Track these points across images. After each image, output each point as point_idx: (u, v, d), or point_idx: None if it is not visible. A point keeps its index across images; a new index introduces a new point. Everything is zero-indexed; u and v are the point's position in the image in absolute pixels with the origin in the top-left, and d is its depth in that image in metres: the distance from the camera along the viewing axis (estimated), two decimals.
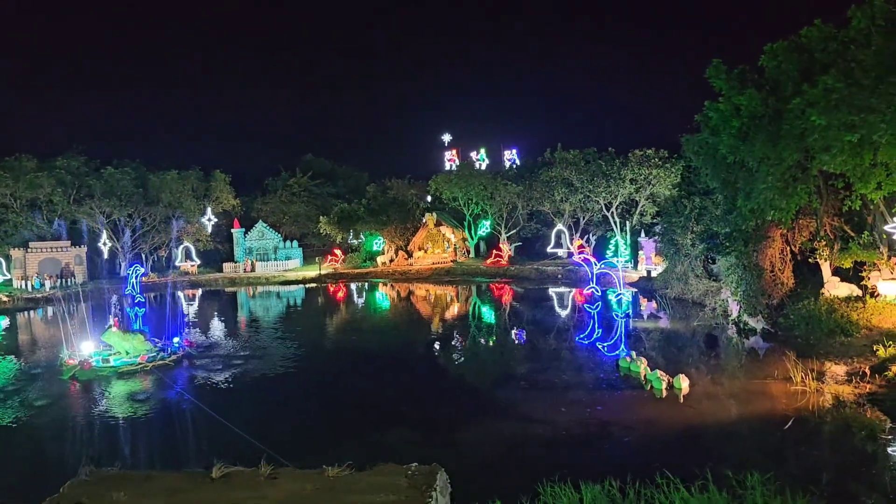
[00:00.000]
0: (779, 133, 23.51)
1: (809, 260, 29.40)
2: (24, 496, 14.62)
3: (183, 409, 21.09)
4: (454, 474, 14.71)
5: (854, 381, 19.94)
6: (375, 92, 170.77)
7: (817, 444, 15.95)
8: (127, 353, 27.51)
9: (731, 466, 12.86)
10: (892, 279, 26.33)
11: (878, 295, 26.57)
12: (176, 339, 29.69)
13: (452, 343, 31.68)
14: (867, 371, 19.95)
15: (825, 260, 28.37)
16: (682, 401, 19.56)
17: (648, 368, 21.96)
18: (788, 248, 30.02)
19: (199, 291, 59.25)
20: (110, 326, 28.87)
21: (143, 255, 68.56)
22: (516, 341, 30.95)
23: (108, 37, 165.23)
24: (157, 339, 30.12)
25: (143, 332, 29.88)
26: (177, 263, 69.72)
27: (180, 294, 58.87)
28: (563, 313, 39.35)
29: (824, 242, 27.79)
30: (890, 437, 15.85)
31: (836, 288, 28.20)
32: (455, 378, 24.83)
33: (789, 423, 16.89)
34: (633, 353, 23.74)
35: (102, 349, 28.36)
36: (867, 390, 19.13)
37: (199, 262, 70.17)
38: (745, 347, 27.01)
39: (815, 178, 24.04)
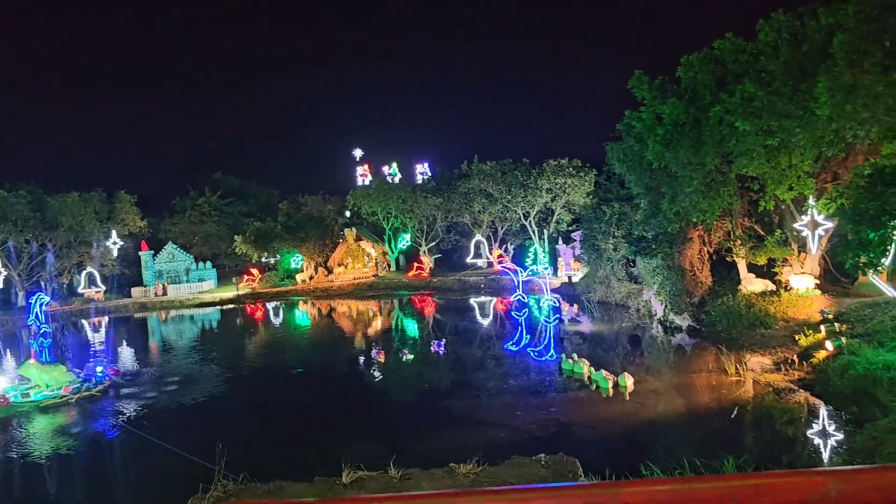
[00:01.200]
0: (700, 139, 24.87)
1: (727, 258, 31.11)
2: None
3: (124, 440, 19.94)
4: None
5: (783, 369, 21.28)
6: (282, 109, 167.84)
7: (765, 428, 16.88)
8: (48, 386, 25.78)
9: (698, 454, 13.49)
10: (802, 273, 28.26)
11: (790, 288, 28.42)
12: (99, 369, 28.11)
13: (389, 357, 31.49)
14: (795, 359, 21.29)
15: (741, 258, 30.11)
16: (628, 398, 20.26)
17: (593, 369, 22.60)
18: (706, 249, 31.70)
19: (108, 319, 56.17)
20: (28, 359, 27.02)
21: (42, 283, 64.42)
22: (452, 351, 31.06)
23: None
24: (77, 370, 28.43)
25: (65, 362, 28.15)
26: (80, 290, 65.95)
27: (87, 323, 55.74)
28: (492, 321, 39.85)
29: (739, 242, 29.49)
30: (829, 419, 16.98)
31: (751, 284, 29.97)
32: (400, 390, 24.68)
33: (734, 412, 17.85)
34: (575, 355, 24.38)
35: (18, 383, 26.48)
36: (796, 377, 20.45)
37: (104, 287, 66.60)
38: (672, 344, 28.25)
39: (733, 182, 25.55)
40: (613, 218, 38.16)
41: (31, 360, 26.55)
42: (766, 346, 24.56)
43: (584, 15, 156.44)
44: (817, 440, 15.78)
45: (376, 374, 28.11)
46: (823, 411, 17.39)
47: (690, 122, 25.19)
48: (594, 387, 21.63)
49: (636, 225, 35.60)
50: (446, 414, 19.99)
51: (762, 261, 28.94)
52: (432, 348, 32.46)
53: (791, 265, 28.84)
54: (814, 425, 16.57)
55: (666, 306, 31.17)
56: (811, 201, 26.17)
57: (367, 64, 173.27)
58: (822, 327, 23.31)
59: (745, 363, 22.58)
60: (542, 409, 19.49)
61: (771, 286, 29.36)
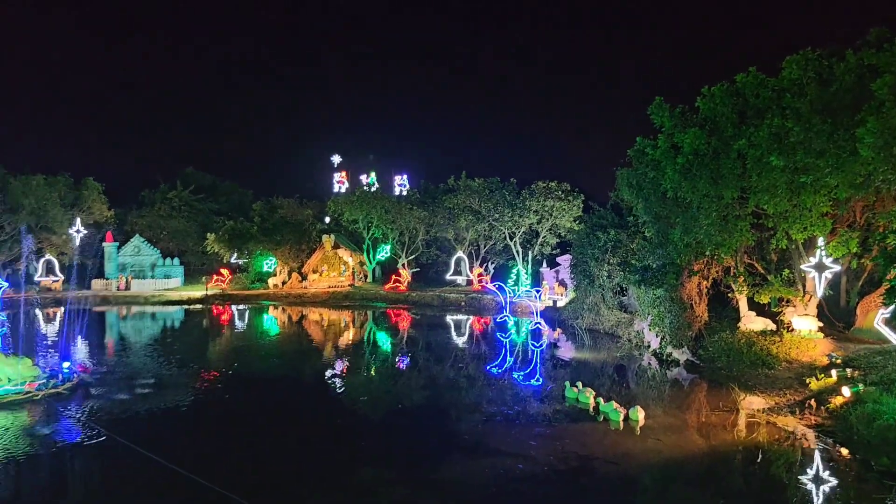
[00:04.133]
0: (719, 171, 24.45)
1: (728, 294, 30.75)
2: None
3: (99, 445, 18.35)
4: None
5: (797, 412, 20.74)
6: (260, 108, 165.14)
7: (796, 476, 16.14)
8: (10, 381, 23.95)
9: (737, 501, 12.74)
10: (806, 315, 27.97)
11: (792, 329, 28.10)
12: (66, 365, 26.30)
13: (371, 374, 30.27)
14: (813, 403, 20.76)
15: (742, 295, 29.75)
16: (639, 433, 19.48)
17: (601, 400, 21.80)
18: (704, 283, 31.30)
19: (65, 310, 53.55)
20: None
21: None
22: (439, 371, 29.93)
23: None
24: (41, 365, 26.61)
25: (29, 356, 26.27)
26: (37, 278, 63.09)
27: (41, 313, 53.17)
28: (473, 341, 38.84)
29: (742, 278, 29.14)
30: (859, 469, 16.39)
31: (752, 322, 29.58)
32: (395, 412, 23.45)
33: (759, 456, 17.17)
34: (580, 384, 23.57)
35: None
36: (812, 422, 19.91)
37: (62, 277, 63.89)
38: (668, 378, 27.65)
39: (749, 217, 25.18)
40: (608, 245, 37.65)
41: None
42: (772, 388, 24.06)
43: (580, 41, 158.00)
44: (854, 493, 15.12)
45: (362, 390, 26.85)
46: (851, 461, 16.80)
47: (710, 153, 24.79)
48: (602, 418, 20.83)
49: (633, 253, 35.19)
50: (455, 439, 18.90)
51: (765, 299, 28.60)
52: (418, 367, 31.32)
53: (794, 306, 28.55)
54: (846, 476, 15.93)
55: (663, 338, 30.63)
56: (820, 242, 25.92)
57: (350, 70, 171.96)
58: (833, 372, 22.91)
59: (756, 403, 22.08)
60: (556, 440, 18.56)
61: (772, 325, 29.00)
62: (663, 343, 30.47)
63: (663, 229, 28.65)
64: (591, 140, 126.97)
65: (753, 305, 30.58)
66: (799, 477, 15.88)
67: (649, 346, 32.06)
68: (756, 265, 30.13)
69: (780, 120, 22.68)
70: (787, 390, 23.44)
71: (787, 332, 28.14)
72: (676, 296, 29.37)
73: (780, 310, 29.32)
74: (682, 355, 29.25)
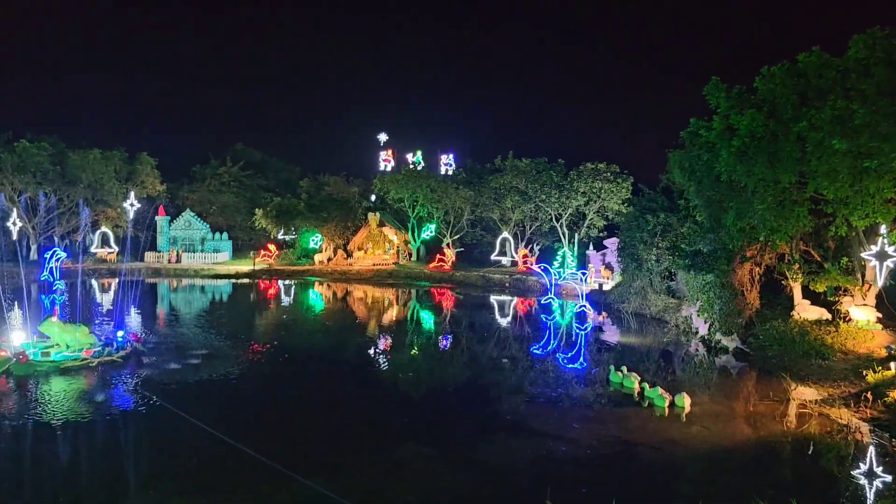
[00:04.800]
0: (777, 155, 23.71)
1: (782, 283, 29.98)
2: None
3: (151, 413, 18.93)
4: (494, 498, 13.76)
5: (851, 404, 20.16)
6: (309, 86, 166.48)
7: (848, 469, 15.73)
8: (68, 347, 24.85)
9: (785, 494, 12.46)
10: (864, 305, 27.09)
11: (849, 320, 27.28)
12: (120, 333, 27.09)
13: (418, 352, 30.42)
14: (870, 396, 20.15)
15: (797, 282, 28.95)
16: (685, 419, 19.20)
17: (647, 385, 21.54)
18: (757, 269, 30.54)
19: (119, 281, 55.16)
20: (50, 315, 26.07)
21: (56, 239, 63.56)
22: (483, 351, 29.93)
23: (27, 5, 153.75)
24: (97, 333, 27.51)
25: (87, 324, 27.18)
26: (93, 249, 65.10)
27: (97, 283, 54.91)
28: (518, 322, 38.74)
29: (797, 266, 28.34)
30: None
31: (806, 311, 28.81)
32: (439, 390, 23.58)
33: (811, 448, 16.77)
34: (625, 368, 23.33)
35: (37, 341, 25.54)
36: (868, 415, 19.33)
37: (116, 249, 65.79)
38: (716, 365, 27.16)
39: (807, 202, 24.40)
40: (658, 228, 37.02)
41: (54, 318, 25.60)
42: (825, 379, 23.42)
43: (633, 20, 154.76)
44: None
45: (405, 367, 27.04)
46: None
47: (768, 135, 24.02)
48: (647, 404, 20.58)
49: (683, 238, 34.51)
50: (496, 420, 18.93)
51: (821, 287, 27.78)
52: (460, 346, 31.41)
53: (852, 295, 27.67)
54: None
55: (711, 325, 30.04)
56: (882, 230, 24.97)
57: (400, 49, 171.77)
58: (892, 365, 22.16)
59: (808, 394, 21.55)
60: (599, 424, 18.44)
61: (827, 315, 28.20)
62: (712, 329, 29.90)
63: (716, 213, 27.99)
64: (641, 122, 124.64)
65: (808, 294, 29.78)
66: (851, 471, 15.46)
67: (697, 333, 31.52)
68: (812, 252, 29.25)
69: (844, 102, 21.81)
70: (842, 382, 22.79)
71: (844, 322, 27.34)
72: (727, 282, 28.74)
73: (836, 299, 28.46)
74: (731, 343, 28.68)
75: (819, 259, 28.88)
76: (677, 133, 30.31)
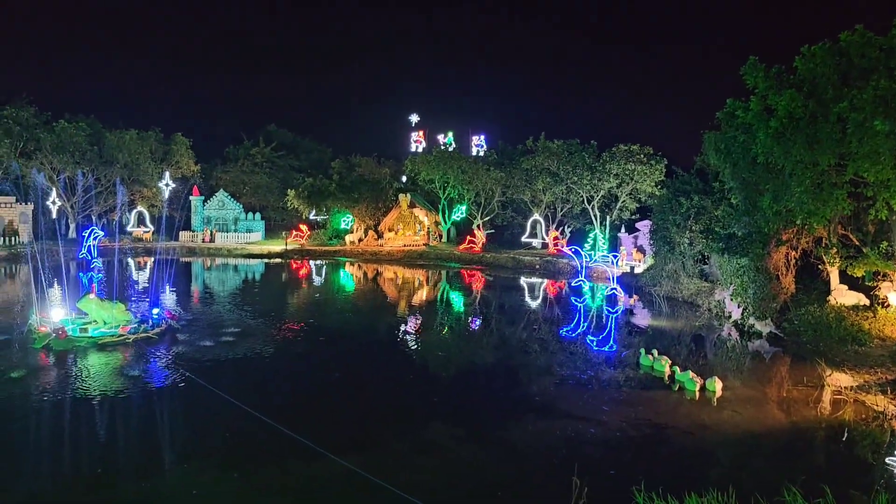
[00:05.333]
0: (816, 136, 23.13)
1: (819, 267, 29.38)
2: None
3: (185, 389, 19.32)
4: (522, 478, 13.82)
5: (889, 391, 19.77)
6: (340, 66, 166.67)
7: (886, 459, 15.44)
8: (105, 324, 25.40)
9: (818, 480, 12.28)
10: None
11: (888, 305, 26.67)
12: (156, 311, 27.61)
13: (448, 332, 30.52)
14: None
15: (834, 267, 28.36)
16: (716, 404, 19.00)
17: (678, 368, 21.36)
18: (793, 253, 29.95)
19: (154, 260, 56.20)
20: (88, 292, 26.65)
21: (93, 218, 64.91)
22: (512, 332, 29.93)
23: None
24: (133, 310, 28.07)
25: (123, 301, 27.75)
26: (129, 228, 66.37)
27: (133, 261, 55.94)
28: (548, 304, 38.60)
29: (835, 250, 27.72)
30: None
31: (843, 296, 28.24)
32: (468, 370, 23.68)
33: (845, 434, 16.51)
34: (655, 352, 23.14)
35: (76, 317, 26.14)
36: None
37: (152, 228, 66.98)
38: (749, 350, 26.79)
39: (846, 185, 23.79)
40: (691, 211, 36.51)
41: (91, 295, 26.14)
42: (862, 365, 22.97)
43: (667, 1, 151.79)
44: None
45: (435, 348, 27.15)
46: None
47: (807, 116, 23.41)
48: (677, 387, 20.41)
49: (717, 220, 33.99)
50: (525, 401, 18.94)
51: (859, 272, 27.13)
52: (490, 328, 31.44)
53: (891, 280, 27.02)
54: None
55: (745, 309, 29.63)
56: None
57: (431, 30, 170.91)
58: None
59: (843, 380, 21.18)
60: (629, 407, 18.33)
61: (865, 300, 27.60)
62: (745, 314, 29.49)
63: (751, 196, 27.45)
64: (676, 103, 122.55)
65: (845, 279, 29.15)
66: (887, 458, 15.17)
67: (730, 317, 31.13)
68: (851, 236, 28.54)
69: (888, 81, 21.13)
70: (879, 368, 22.35)
71: (882, 308, 26.71)
72: (762, 265, 28.27)
73: (874, 284, 27.80)
74: (764, 327, 28.26)
75: (857, 243, 28.18)
76: (713, 114, 29.75)
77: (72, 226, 64.30)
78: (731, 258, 29.88)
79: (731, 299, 31.31)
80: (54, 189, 61.47)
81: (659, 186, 49.07)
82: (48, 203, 61.53)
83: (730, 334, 29.24)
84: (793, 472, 13.30)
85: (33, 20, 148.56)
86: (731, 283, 31.51)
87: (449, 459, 14.65)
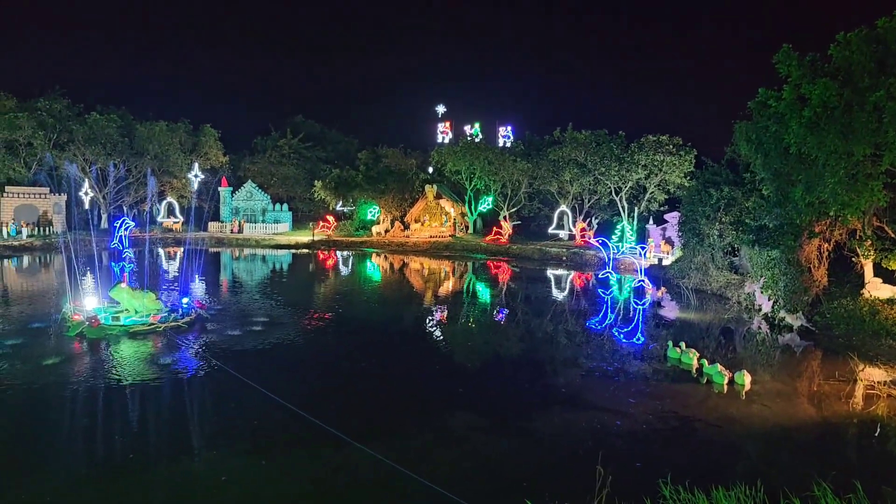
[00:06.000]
0: (851, 126, 22.70)
1: (852, 260, 28.88)
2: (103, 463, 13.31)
3: (214, 377, 19.62)
4: (546, 469, 13.84)
5: None
6: (367, 57, 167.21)
7: None
8: (136, 312, 25.87)
9: (849, 475, 12.13)
10: None
11: None
12: (185, 300, 28.03)
13: (472, 322, 30.57)
14: None
15: (868, 260, 27.85)
16: (744, 397, 18.80)
17: (705, 361, 21.17)
18: (825, 245, 29.48)
19: (184, 250, 57.09)
20: (120, 282, 27.15)
21: (124, 209, 66.02)
22: (538, 324, 29.87)
23: None
24: (163, 299, 28.53)
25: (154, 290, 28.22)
26: (159, 219, 67.37)
27: (163, 251, 56.82)
28: (575, 296, 38.46)
29: (869, 242, 27.21)
30: None
31: (877, 289, 27.72)
32: (492, 360, 23.72)
33: (878, 429, 16.25)
34: (683, 344, 22.96)
35: (107, 306, 26.66)
36: None
37: (182, 218, 67.92)
38: (780, 344, 26.44)
39: (882, 176, 23.34)
40: (721, 202, 36.08)
41: (123, 284, 26.63)
42: None
43: None
44: None
45: (461, 339, 27.22)
46: None
47: (842, 105, 22.98)
48: (705, 381, 20.24)
49: (748, 212, 33.57)
50: (551, 392, 18.92)
51: (895, 265, 26.63)
52: (516, 319, 31.42)
53: None
54: None
55: (776, 302, 29.25)
56: None
57: (458, 20, 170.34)
58: None
59: (878, 374, 20.81)
60: (656, 399, 18.22)
61: None
62: (776, 307, 29.12)
63: (783, 187, 27.07)
64: (706, 92, 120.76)
65: (880, 272, 28.62)
66: None
67: (760, 310, 30.75)
68: (886, 228, 28.01)
69: None
70: None
71: None
72: (793, 258, 27.87)
73: None
74: (795, 321, 27.87)
75: (893, 235, 27.65)
76: (744, 104, 29.37)
77: (104, 216, 65.48)
78: (762, 250, 29.50)
79: (762, 292, 30.93)
80: (87, 180, 62.61)
81: (688, 177, 48.62)
82: (81, 194, 62.69)
83: (760, 327, 28.88)
84: (823, 468, 13.16)
85: (66, 13, 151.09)
86: (761, 276, 31.15)
87: (473, 449, 14.70)
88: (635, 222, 53.95)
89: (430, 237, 61.25)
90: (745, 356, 24.26)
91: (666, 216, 48.37)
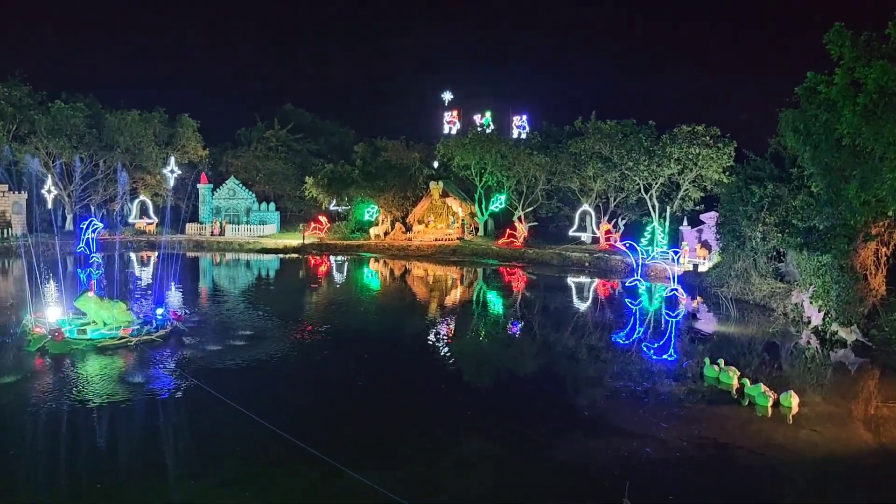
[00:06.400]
0: None
1: None
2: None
3: (191, 397, 19.70)
4: (564, 500, 13.83)
5: None
6: (363, 38, 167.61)
7: None
8: (105, 325, 26.00)
9: None
10: None
11: None
12: (160, 311, 28.17)
13: (485, 338, 30.65)
14: None
15: None
16: (791, 421, 18.79)
17: (747, 381, 21.16)
18: (884, 250, 29.47)
19: (159, 254, 57.33)
20: (86, 290, 27.31)
21: (92, 208, 66.40)
22: (560, 338, 29.90)
23: None
24: (135, 310, 28.69)
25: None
26: (131, 220, 67.72)
27: (135, 256, 57.16)
28: (600, 307, 38.48)
29: None
30: None
31: None
32: (509, 380, 23.76)
33: None
34: (722, 362, 22.96)
35: (73, 317, 26.83)
36: None
37: (156, 219, 68.26)
38: (832, 361, 26.44)
39: None
40: (765, 201, 36.08)
41: (90, 293, 26.78)
42: None
43: None
44: None
45: (470, 355, 27.28)
46: None
47: None
48: (747, 402, 20.23)
49: (795, 212, 33.55)
50: (572, 415, 18.98)
51: None
52: (532, 332, 31.47)
53: None
54: None
55: (827, 314, 29.23)
56: None
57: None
58: None
59: None
60: (691, 423, 18.23)
61: None
62: (827, 319, 29.11)
63: (835, 184, 27.10)
64: (747, 77, 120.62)
65: None
66: None
67: (809, 323, 30.72)
68: None
69: None
70: None
71: None
72: (847, 264, 27.87)
73: None
74: (850, 335, 27.85)
75: None
76: (790, 90, 29.41)
77: (69, 217, 65.84)
78: (811, 255, 29.55)
79: (811, 302, 30.92)
80: (50, 176, 63.00)
81: (727, 173, 48.51)
82: (43, 192, 63.04)
83: (809, 342, 28.93)
84: (879, 500, 13.15)
85: None
86: (810, 284, 31.18)
87: (482, 478, 14.73)
88: (667, 223, 53.86)
89: (436, 240, 61.40)
90: (792, 375, 24.28)
91: (702, 216, 48.34)
